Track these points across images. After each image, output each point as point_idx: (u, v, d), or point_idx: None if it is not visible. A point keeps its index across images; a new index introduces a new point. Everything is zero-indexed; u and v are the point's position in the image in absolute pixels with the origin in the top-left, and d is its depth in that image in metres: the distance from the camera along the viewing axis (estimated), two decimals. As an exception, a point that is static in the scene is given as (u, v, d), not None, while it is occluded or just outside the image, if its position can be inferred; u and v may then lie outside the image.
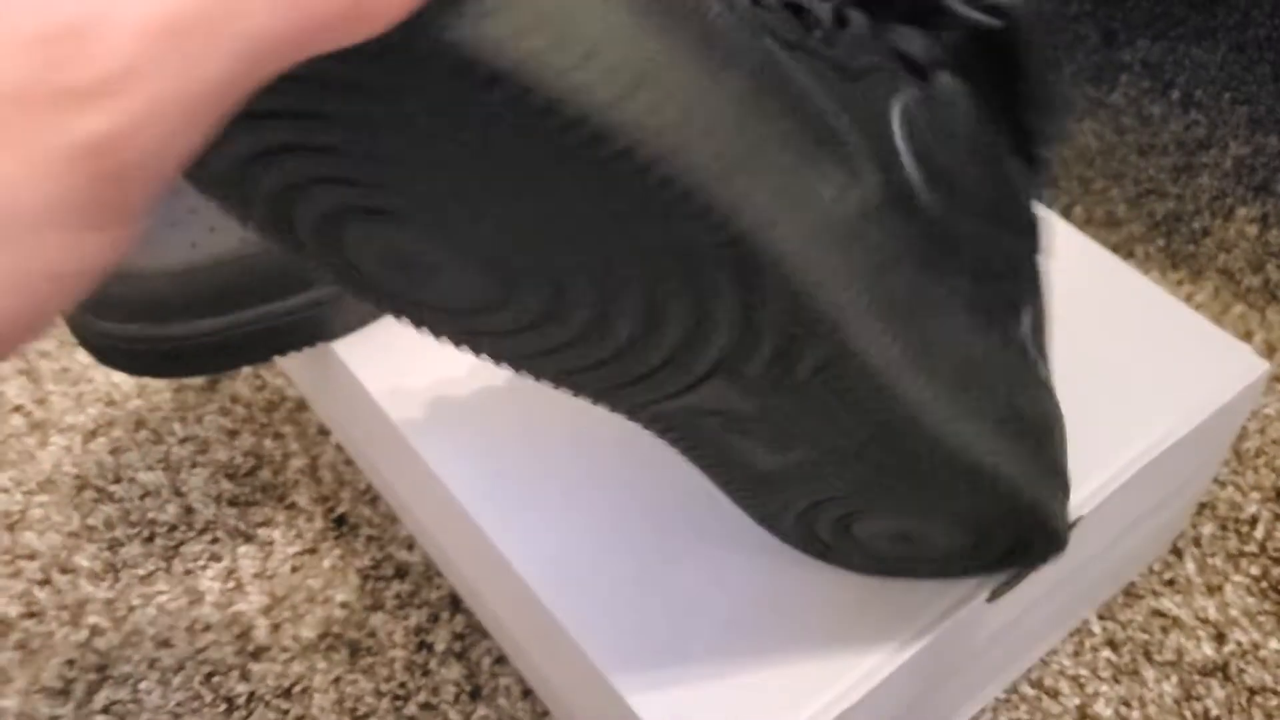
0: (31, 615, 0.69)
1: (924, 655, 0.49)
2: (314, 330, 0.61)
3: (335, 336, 0.62)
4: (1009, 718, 0.65)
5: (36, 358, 0.80)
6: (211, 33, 0.24)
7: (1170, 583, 0.69)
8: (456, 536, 0.59)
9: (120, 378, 0.79)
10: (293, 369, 0.78)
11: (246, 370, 0.80)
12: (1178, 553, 0.70)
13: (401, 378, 0.58)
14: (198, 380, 0.79)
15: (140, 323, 0.58)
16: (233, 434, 0.77)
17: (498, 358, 0.39)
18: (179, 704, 0.64)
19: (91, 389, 0.79)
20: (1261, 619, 0.67)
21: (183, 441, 0.76)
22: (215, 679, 0.65)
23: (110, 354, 0.59)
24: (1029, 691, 0.65)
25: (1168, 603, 0.68)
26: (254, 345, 0.60)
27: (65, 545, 0.71)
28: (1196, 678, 0.66)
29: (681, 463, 0.51)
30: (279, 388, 0.79)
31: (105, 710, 0.64)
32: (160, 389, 0.79)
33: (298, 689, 0.65)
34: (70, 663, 0.67)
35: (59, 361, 0.80)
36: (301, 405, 0.78)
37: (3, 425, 0.77)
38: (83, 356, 0.80)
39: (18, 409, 0.78)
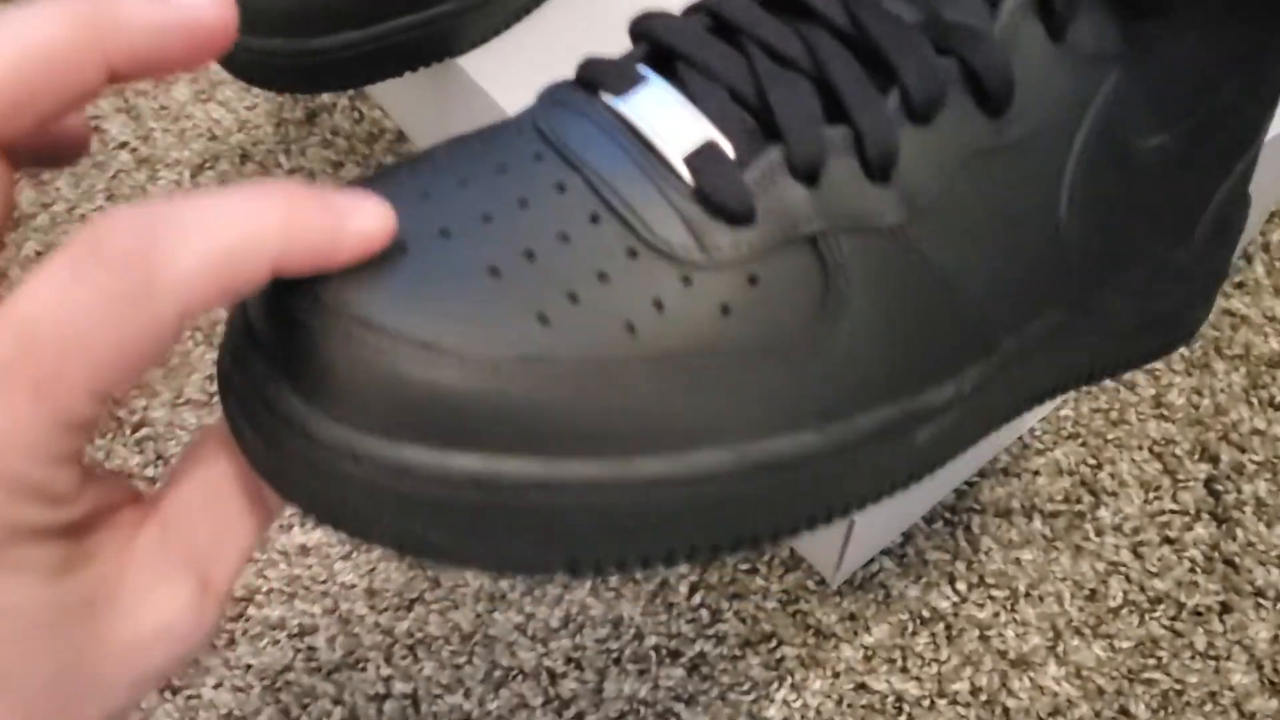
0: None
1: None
2: (444, 45, 0.66)
3: (463, 51, 0.67)
4: (1090, 407, 0.74)
5: (134, 95, 0.86)
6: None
7: (1240, 285, 0.79)
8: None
9: (219, 113, 0.85)
10: (389, 99, 0.83)
11: (344, 102, 0.85)
12: (1248, 257, 0.80)
13: (531, 90, 0.63)
14: (297, 114, 0.85)
15: (282, 36, 0.62)
16: (337, 165, 0.83)
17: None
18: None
19: (193, 125, 0.85)
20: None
21: (290, 174, 0.82)
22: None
23: (248, 69, 0.64)
24: (1108, 385, 0.75)
25: (1237, 303, 0.78)
26: (390, 59, 0.65)
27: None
28: (1263, 369, 0.75)
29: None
30: (377, 119, 0.85)
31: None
32: (260, 123, 0.85)
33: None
34: (209, 377, 0.75)
35: (157, 99, 0.86)
36: (401, 137, 0.84)
37: (111, 162, 0.83)
38: (180, 93, 0.86)
39: (123, 145, 0.84)
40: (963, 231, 0.38)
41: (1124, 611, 0.69)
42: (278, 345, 0.33)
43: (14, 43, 0.31)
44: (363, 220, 0.32)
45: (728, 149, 0.36)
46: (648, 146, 0.36)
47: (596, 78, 0.38)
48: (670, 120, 0.36)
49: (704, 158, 0.36)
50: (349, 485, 0.32)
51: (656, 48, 0.39)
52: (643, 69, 0.38)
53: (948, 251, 0.38)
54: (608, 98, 0.38)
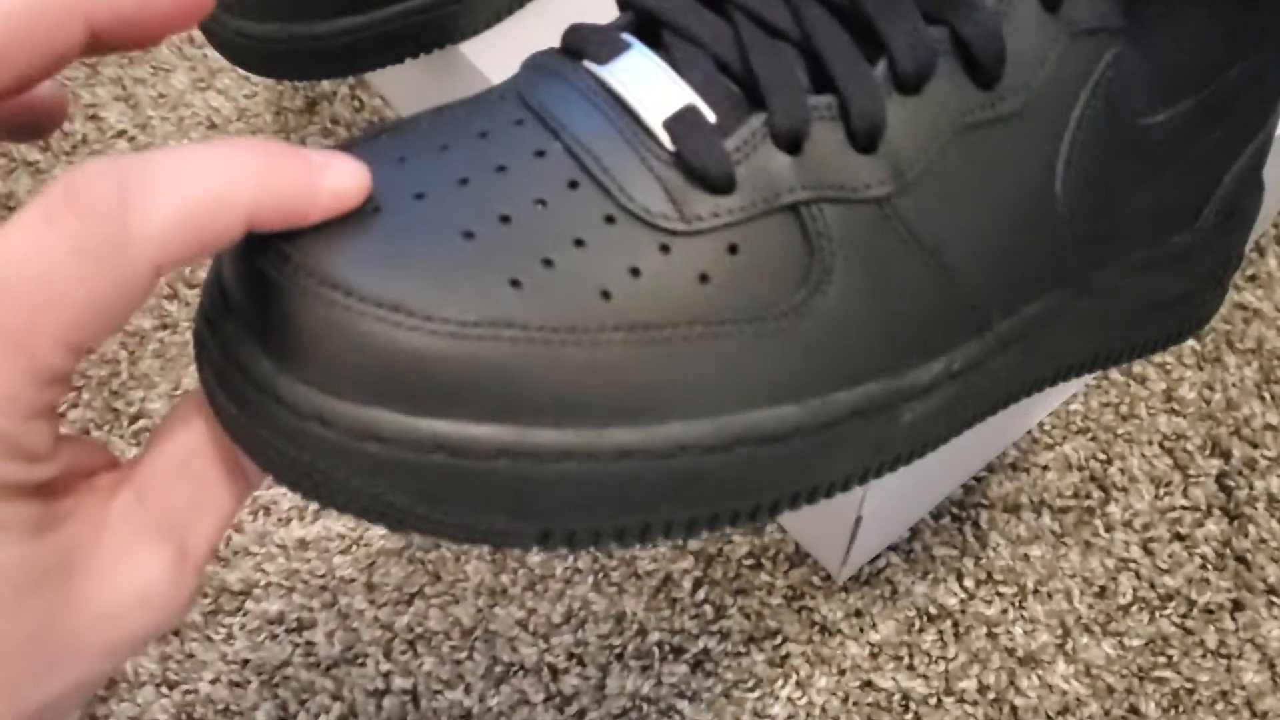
0: (165, 327, 0.76)
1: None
2: (445, 31, 0.66)
3: (464, 38, 0.67)
4: (1099, 401, 0.73)
5: (132, 84, 0.86)
6: None
7: (1253, 278, 0.78)
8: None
9: (218, 101, 0.84)
10: (390, 87, 0.83)
11: (344, 91, 0.85)
12: (1260, 250, 0.79)
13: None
14: (297, 102, 0.84)
15: (279, 21, 0.61)
16: (336, 154, 0.82)
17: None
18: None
19: (191, 113, 0.84)
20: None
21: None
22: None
23: (246, 55, 0.63)
24: (1118, 377, 0.74)
25: (1249, 296, 0.78)
26: (390, 45, 0.65)
27: (188, 263, 0.77)
28: (1276, 363, 0.75)
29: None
30: (377, 107, 0.85)
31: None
32: (260, 111, 0.84)
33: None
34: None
35: (155, 87, 0.86)
36: (402, 124, 0.83)
37: (109, 151, 0.83)
38: (178, 81, 0.85)
39: (121, 134, 0.84)
40: (953, 205, 0.38)
41: (1134, 609, 0.68)
42: (249, 307, 0.33)
43: None
44: (337, 177, 0.32)
45: (709, 115, 0.36)
46: (629, 112, 0.36)
47: (580, 45, 0.38)
48: (651, 86, 0.36)
49: (684, 122, 0.35)
50: (318, 449, 0.32)
51: (643, 15, 0.39)
52: (627, 37, 0.38)
53: (937, 225, 0.38)
54: (591, 65, 0.37)
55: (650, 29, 0.39)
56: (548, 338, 0.32)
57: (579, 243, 0.34)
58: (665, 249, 0.35)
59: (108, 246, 0.29)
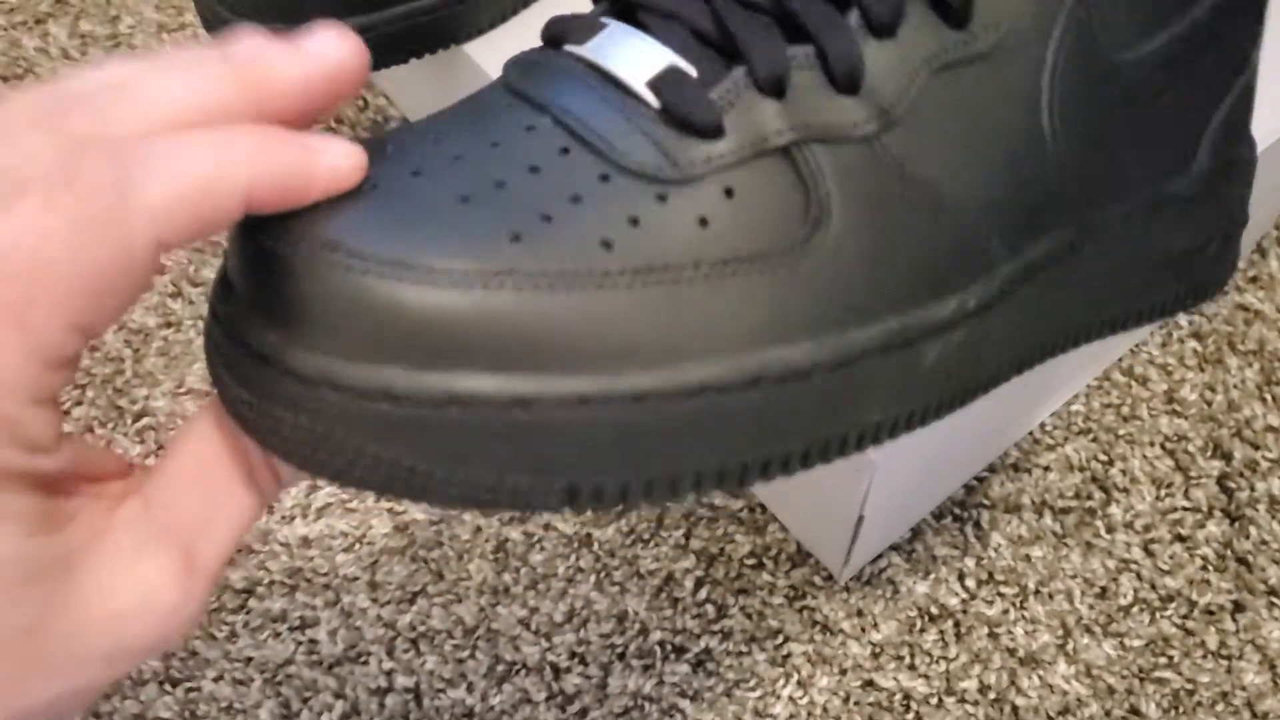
0: (169, 325, 0.76)
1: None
2: (450, 32, 0.66)
3: (469, 39, 0.67)
4: (1101, 402, 0.73)
5: None
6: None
7: (1254, 279, 0.79)
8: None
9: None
10: (395, 86, 0.83)
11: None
12: (1261, 251, 0.80)
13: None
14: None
15: (283, 21, 0.61)
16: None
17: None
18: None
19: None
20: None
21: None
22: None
23: None
24: (1120, 378, 0.74)
25: (1251, 297, 0.78)
26: (395, 46, 0.65)
27: (192, 261, 0.77)
28: (1278, 365, 0.75)
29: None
30: (382, 106, 0.85)
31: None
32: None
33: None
34: (209, 366, 0.74)
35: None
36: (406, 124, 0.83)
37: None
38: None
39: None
40: (942, 142, 0.39)
41: (1135, 610, 0.68)
42: (252, 286, 0.33)
43: (174, 99, 0.32)
44: (334, 157, 0.33)
45: (691, 72, 0.37)
46: (612, 80, 0.37)
47: (560, 33, 0.39)
48: (632, 54, 0.38)
49: (667, 80, 0.37)
50: (331, 415, 0.32)
51: (619, 1, 0.40)
52: (605, 19, 0.39)
53: (928, 162, 0.39)
54: (571, 47, 0.39)
55: (627, 14, 0.39)
56: (552, 283, 0.33)
57: (576, 199, 0.35)
58: (662, 198, 0.35)
59: (107, 222, 0.29)
